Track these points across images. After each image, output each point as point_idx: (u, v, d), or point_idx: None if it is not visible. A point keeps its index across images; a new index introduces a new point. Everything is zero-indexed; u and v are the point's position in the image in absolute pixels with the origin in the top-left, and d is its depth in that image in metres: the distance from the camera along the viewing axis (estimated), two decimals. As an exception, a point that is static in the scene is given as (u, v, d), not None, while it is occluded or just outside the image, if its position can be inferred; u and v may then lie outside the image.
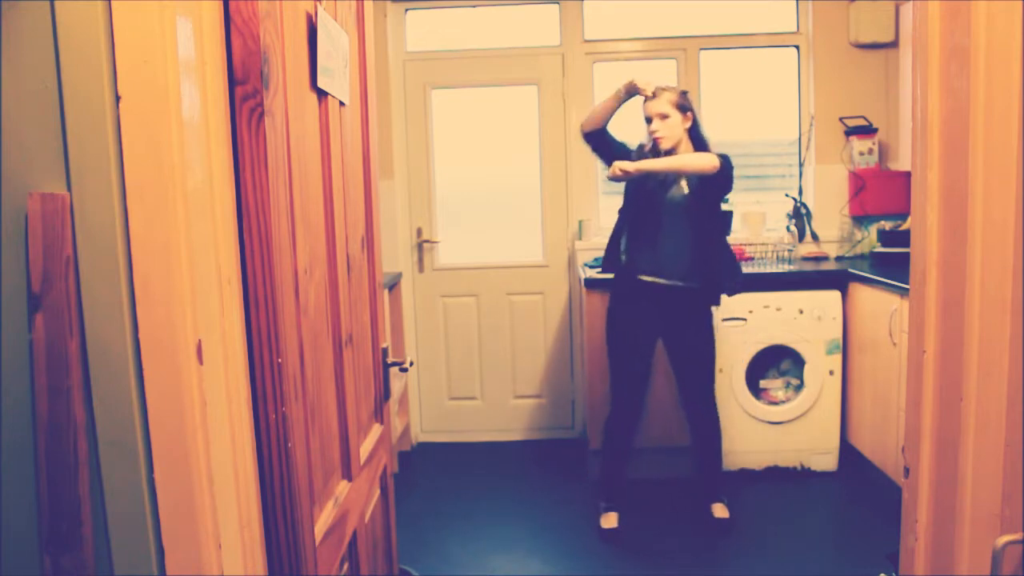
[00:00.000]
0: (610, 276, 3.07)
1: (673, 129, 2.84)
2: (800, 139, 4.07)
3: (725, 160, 2.77)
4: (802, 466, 3.54)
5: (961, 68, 0.94)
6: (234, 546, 1.01)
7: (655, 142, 2.86)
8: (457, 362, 4.22)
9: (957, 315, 0.97)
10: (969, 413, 0.95)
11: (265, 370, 1.06)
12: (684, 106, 2.84)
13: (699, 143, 2.88)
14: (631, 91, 2.85)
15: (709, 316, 3.04)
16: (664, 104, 2.84)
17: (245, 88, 1.01)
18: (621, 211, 3.03)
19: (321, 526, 1.25)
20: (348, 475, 1.46)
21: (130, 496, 0.93)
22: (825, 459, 3.53)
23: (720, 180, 2.79)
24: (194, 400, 0.93)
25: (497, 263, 4.17)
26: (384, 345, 1.78)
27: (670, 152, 2.86)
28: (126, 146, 0.89)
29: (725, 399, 3.49)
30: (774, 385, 3.55)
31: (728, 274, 2.95)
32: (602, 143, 2.98)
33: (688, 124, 2.86)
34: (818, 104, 3.95)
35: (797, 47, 4.03)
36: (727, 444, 3.52)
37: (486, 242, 4.22)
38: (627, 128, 3.06)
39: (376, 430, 1.71)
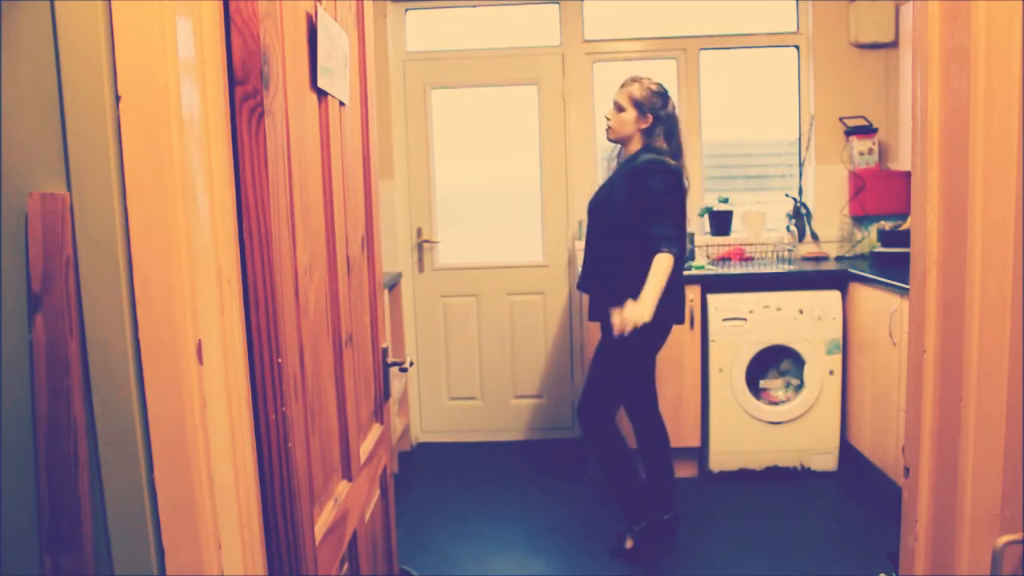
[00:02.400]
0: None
1: (622, 125, 2.77)
2: (800, 139, 4.07)
3: (654, 242, 2.63)
4: (802, 466, 3.54)
5: (961, 68, 0.94)
6: (234, 546, 1.01)
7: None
8: (457, 362, 4.22)
9: (957, 315, 0.97)
10: (969, 413, 0.95)
11: (265, 370, 1.06)
12: (642, 105, 2.74)
13: (647, 141, 2.75)
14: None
15: (606, 327, 2.82)
16: (622, 96, 2.78)
17: (245, 88, 1.01)
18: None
19: (321, 526, 1.25)
20: (348, 475, 1.45)
21: (130, 496, 0.93)
22: (825, 459, 3.53)
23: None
24: (194, 400, 0.93)
25: (497, 263, 4.17)
26: (384, 345, 1.78)
27: (617, 142, 2.83)
28: (126, 146, 0.89)
29: (725, 399, 3.49)
30: (774, 385, 3.55)
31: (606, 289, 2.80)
32: None
33: (644, 125, 2.74)
34: (818, 104, 3.95)
35: (797, 47, 4.03)
36: (725, 444, 3.52)
37: (486, 242, 4.22)
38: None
39: (376, 430, 1.71)
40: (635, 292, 2.64)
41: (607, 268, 2.79)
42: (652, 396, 2.97)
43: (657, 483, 2.92)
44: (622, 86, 2.80)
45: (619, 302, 2.67)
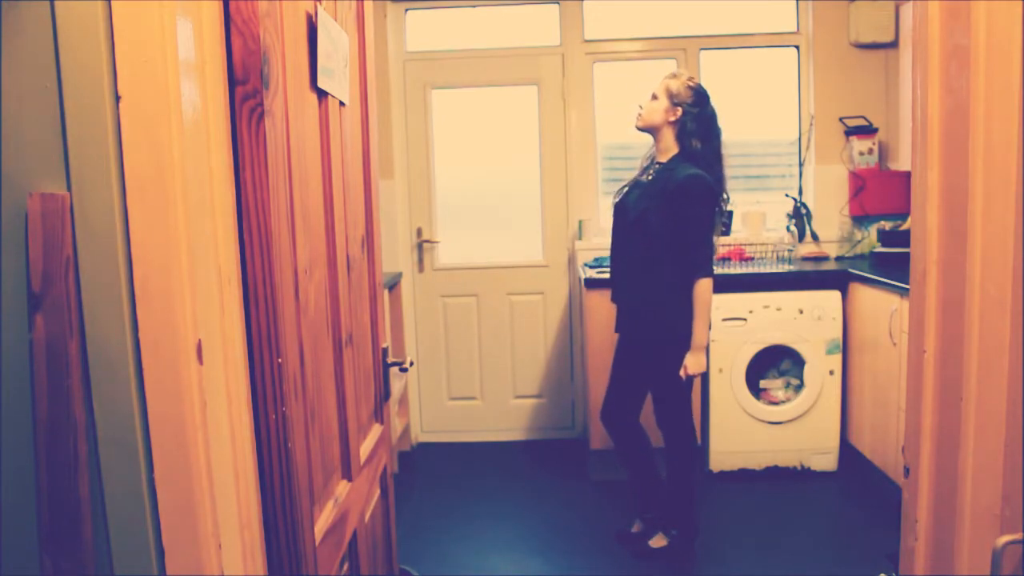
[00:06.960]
0: None
1: (652, 113, 2.70)
2: (800, 139, 4.07)
3: (699, 267, 2.63)
4: (802, 466, 3.54)
5: (961, 68, 0.94)
6: (234, 546, 1.01)
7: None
8: (457, 362, 4.22)
9: (957, 315, 0.97)
10: (969, 413, 0.95)
11: (265, 370, 1.06)
12: (676, 99, 2.66)
13: (683, 144, 2.67)
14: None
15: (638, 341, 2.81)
16: (659, 86, 2.72)
17: (245, 88, 1.01)
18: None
19: (321, 526, 1.25)
20: (348, 475, 1.45)
21: (130, 496, 0.93)
22: (825, 459, 3.53)
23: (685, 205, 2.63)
24: (194, 400, 0.93)
25: (497, 263, 4.17)
26: (384, 345, 1.78)
27: (644, 130, 2.75)
28: (126, 146, 0.89)
29: (725, 399, 3.49)
30: (774, 385, 3.55)
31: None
32: None
33: (673, 117, 2.67)
34: (818, 104, 3.95)
35: (797, 47, 4.03)
36: (725, 444, 3.52)
37: (486, 242, 4.22)
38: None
39: (376, 430, 1.71)
40: (678, 315, 2.65)
41: (646, 287, 2.71)
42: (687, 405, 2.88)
43: (680, 492, 2.87)
44: (664, 78, 2.75)
45: (663, 327, 2.69)
